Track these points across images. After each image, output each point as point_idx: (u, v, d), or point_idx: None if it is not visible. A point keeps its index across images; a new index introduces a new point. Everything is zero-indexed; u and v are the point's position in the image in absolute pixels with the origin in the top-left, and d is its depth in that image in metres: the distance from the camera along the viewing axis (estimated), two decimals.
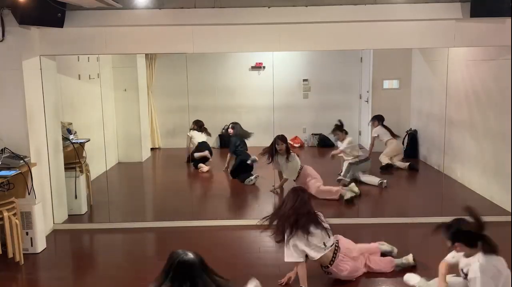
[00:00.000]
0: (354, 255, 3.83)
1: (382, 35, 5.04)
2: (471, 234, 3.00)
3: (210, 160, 7.81)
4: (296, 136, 8.94)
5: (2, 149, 4.47)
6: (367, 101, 8.59)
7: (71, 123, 5.82)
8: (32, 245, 4.56)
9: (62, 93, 5.75)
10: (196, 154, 7.66)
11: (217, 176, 7.53)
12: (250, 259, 4.37)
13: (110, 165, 7.92)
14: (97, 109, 6.56)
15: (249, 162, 6.94)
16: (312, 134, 8.95)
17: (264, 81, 8.48)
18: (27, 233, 4.52)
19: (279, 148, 6.30)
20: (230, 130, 7.33)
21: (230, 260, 4.30)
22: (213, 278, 2.38)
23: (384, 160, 7.37)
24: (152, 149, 9.00)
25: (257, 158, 6.90)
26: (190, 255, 2.43)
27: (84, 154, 5.76)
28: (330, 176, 6.67)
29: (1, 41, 4.57)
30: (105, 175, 6.79)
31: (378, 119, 7.48)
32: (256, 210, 5.81)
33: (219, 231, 5.17)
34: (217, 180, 7.44)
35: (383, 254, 4.17)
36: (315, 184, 6.18)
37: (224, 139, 9.17)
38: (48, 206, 5.10)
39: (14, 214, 4.28)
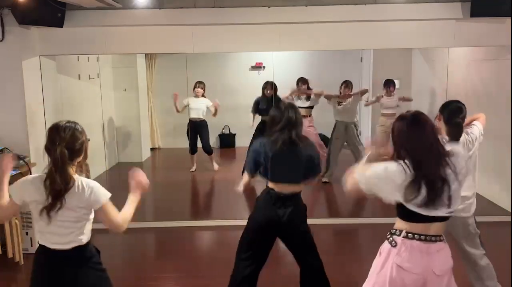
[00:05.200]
0: None
1: (382, 35, 5.04)
2: (452, 112, 3.12)
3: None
4: None
5: (2, 149, 4.48)
6: (367, 101, 8.58)
7: None
8: (32, 245, 4.56)
9: (62, 93, 5.75)
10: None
11: (217, 176, 7.52)
12: None
13: (110, 165, 7.92)
14: (97, 109, 6.57)
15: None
16: None
17: (264, 81, 8.48)
18: (27, 233, 4.52)
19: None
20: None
21: (230, 260, 4.30)
22: None
23: None
24: (152, 149, 9.00)
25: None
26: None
27: None
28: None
29: (1, 41, 4.57)
30: (105, 175, 6.80)
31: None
32: None
33: (220, 231, 5.17)
34: (217, 180, 7.43)
35: None
36: None
37: (224, 139, 9.19)
38: None
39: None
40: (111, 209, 2.36)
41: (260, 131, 6.48)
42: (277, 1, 4.90)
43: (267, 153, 2.98)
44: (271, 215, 3.01)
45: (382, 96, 7.24)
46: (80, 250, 2.33)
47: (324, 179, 6.73)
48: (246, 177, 3.14)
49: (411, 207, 2.11)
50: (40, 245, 2.34)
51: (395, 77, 8.18)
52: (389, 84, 7.18)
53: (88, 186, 2.30)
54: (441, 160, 2.13)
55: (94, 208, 2.32)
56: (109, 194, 2.38)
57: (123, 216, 2.39)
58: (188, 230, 5.22)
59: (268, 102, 6.75)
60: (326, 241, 4.88)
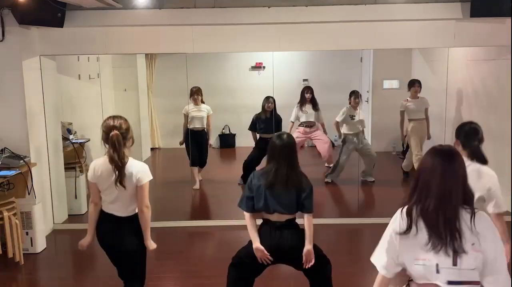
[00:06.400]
0: None
1: (382, 35, 5.04)
2: (467, 135, 2.96)
3: None
4: None
5: (2, 149, 4.48)
6: (367, 101, 8.58)
7: (71, 123, 5.82)
8: (32, 245, 4.56)
9: (62, 93, 5.75)
10: None
11: (217, 175, 7.52)
12: None
13: None
14: (97, 109, 6.56)
15: None
16: None
17: (264, 81, 8.46)
18: (27, 233, 4.52)
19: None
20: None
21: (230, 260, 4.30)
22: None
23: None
24: (152, 149, 8.99)
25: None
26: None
27: (84, 154, 5.76)
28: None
29: (1, 41, 4.57)
30: None
31: None
32: None
33: (220, 231, 5.17)
34: (217, 180, 7.42)
35: None
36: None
37: (224, 139, 9.19)
38: (48, 206, 5.10)
39: (14, 214, 4.28)
40: (147, 191, 3.01)
41: (260, 150, 6.25)
42: (277, 1, 4.90)
43: (259, 186, 3.04)
44: (271, 245, 3.04)
45: (407, 100, 6.78)
46: (132, 218, 3.05)
47: (326, 180, 6.75)
48: (246, 216, 3.16)
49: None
50: (102, 210, 3.07)
51: (395, 77, 8.18)
52: (414, 84, 6.69)
53: (139, 165, 3.01)
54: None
55: (139, 184, 2.95)
56: (151, 177, 3.03)
57: (148, 206, 3.04)
58: (188, 230, 5.22)
59: (266, 120, 6.70)
60: (326, 241, 4.87)
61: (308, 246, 3.03)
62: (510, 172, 5.16)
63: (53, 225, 5.22)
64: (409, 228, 1.92)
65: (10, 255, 4.23)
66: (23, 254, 4.38)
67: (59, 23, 4.79)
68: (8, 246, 4.22)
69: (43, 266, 4.41)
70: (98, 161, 3.03)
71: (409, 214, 1.95)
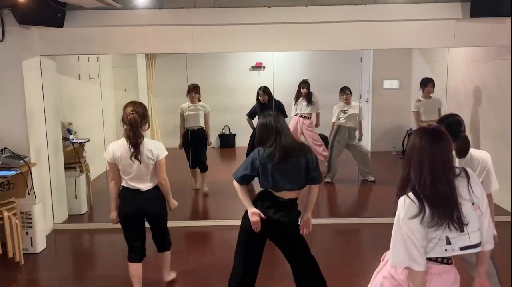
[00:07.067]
0: None
1: (382, 35, 5.04)
2: (456, 128, 2.98)
3: None
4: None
5: (2, 149, 4.48)
6: (367, 101, 8.58)
7: (71, 123, 5.82)
8: (32, 245, 4.56)
9: (62, 93, 5.75)
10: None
11: (217, 175, 7.52)
12: None
13: None
14: (97, 109, 6.56)
15: None
16: None
17: (264, 81, 8.45)
18: (27, 233, 4.52)
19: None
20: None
21: (230, 260, 4.29)
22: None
23: None
24: None
25: None
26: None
27: (84, 154, 5.76)
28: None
29: (1, 41, 4.57)
30: (105, 175, 6.79)
31: None
32: None
33: (219, 231, 5.17)
34: (217, 180, 7.42)
35: None
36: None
37: (224, 139, 9.19)
38: (48, 206, 5.10)
39: (14, 214, 4.28)
40: (164, 165, 3.49)
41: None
42: (277, 1, 4.90)
43: (266, 165, 3.00)
44: (265, 217, 3.03)
45: (420, 100, 6.38)
46: (153, 189, 3.46)
47: (326, 180, 6.75)
48: (237, 186, 3.09)
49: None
50: (124, 187, 3.43)
51: (395, 77, 8.18)
52: (427, 83, 6.28)
53: (156, 143, 3.51)
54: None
55: (157, 159, 3.41)
56: (166, 153, 3.54)
57: (166, 179, 3.52)
58: (188, 230, 5.22)
59: (266, 107, 6.38)
60: (326, 241, 4.88)
61: (308, 214, 3.14)
62: (510, 172, 5.16)
63: (53, 225, 5.22)
64: (421, 210, 1.99)
65: (10, 255, 4.24)
66: (23, 254, 4.38)
67: (59, 23, 4.79)
68: (8, 246, 4.22)
69: (43, 266, 4.41)
70: (116, 144, 3.36)
71: (416, 195, 2.02)
